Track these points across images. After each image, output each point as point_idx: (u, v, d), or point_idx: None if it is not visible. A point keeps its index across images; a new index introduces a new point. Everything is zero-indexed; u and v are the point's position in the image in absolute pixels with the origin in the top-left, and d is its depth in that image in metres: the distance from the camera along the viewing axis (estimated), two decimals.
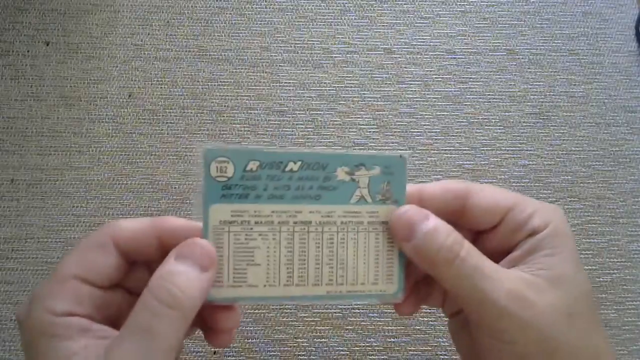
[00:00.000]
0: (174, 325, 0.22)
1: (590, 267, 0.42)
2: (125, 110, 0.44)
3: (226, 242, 0.25)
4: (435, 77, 0.47)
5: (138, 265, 0.27)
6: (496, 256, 0.26)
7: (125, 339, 0.22)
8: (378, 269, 0.26)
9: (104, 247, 0.25)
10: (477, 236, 0.28)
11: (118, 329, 0.24)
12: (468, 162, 0.45)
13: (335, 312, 0.40)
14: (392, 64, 0.47)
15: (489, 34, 0.48)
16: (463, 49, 0.48)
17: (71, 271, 0.24)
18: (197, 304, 0.23)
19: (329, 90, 0.46)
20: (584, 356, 0.24)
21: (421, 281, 0.29)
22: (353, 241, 0.26)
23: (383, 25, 0.48)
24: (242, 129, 0.44)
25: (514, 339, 0.24)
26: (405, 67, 0.47)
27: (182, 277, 0.22)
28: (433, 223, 0.25)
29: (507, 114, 0.46)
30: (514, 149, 0.45)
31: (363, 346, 0.39)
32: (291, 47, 0.47)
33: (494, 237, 0.27)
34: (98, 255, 0.24)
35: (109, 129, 0.44)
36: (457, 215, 0.27)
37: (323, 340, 0.39)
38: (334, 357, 0.39)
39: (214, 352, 0.39)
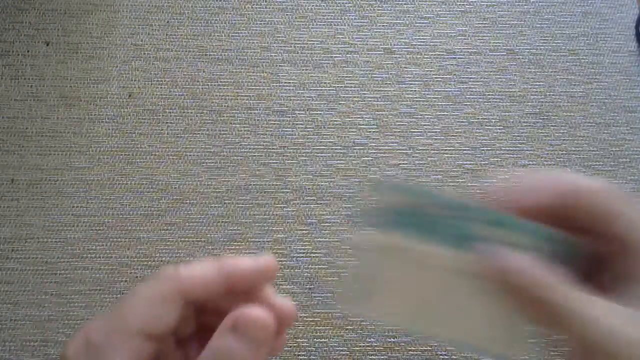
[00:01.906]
0: None
1: None
2: (125, 110, 0.44)
3: (372, 264, 0.25)
4: (435, 77, 0.47)
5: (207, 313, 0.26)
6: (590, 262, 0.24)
7: None
8: (502, 329, 0.25)
9: (170, 301, 0.24)
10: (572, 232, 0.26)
11: None
12: (468, 162, 0.44)
13: (335, 312, 0.40)
14: (392, 64, 0.47)
15: (489, 34, 0.48)
16: (463, 49, 0.48)
17: (136, 325, 0.23)
18: None
19: (329, 90, 0.46)
20: None
21: None
22: (487, 297, 0.25)
23: (383, 25, 0.48)
24: (242, 129, 0.44)
25: None
26: (405, 67, 0.47)
27: (237, 358, 0.22)
28: (541, 271, 0.23)
29: (507, 114, 0.46)
30: (514, 149, 0.45)
31: (363, 346, 0.39)
32: (291, 47, 0.47)
33: (592, 241, 0.25)
34: (164, 309, 0.23)
35: (109, 129, 0.44)
36: (557, 212, 0.25)
37: (323, 340, 0.39)
38: (334, 357, 0.39)
39: None
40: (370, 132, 0.45)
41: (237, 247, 0.41)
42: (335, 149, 0.44)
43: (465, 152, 0.45)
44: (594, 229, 0.24)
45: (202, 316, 0.26)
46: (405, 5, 0.49)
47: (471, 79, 0.47)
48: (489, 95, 0.47)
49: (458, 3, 0.49)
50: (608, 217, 0.24)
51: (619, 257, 0.23)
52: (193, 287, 0.24)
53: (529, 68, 0.47)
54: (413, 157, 0.44)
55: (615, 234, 0.23)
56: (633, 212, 0.24)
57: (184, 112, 0.44)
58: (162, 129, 0.44)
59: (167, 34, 0.47)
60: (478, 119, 0.46)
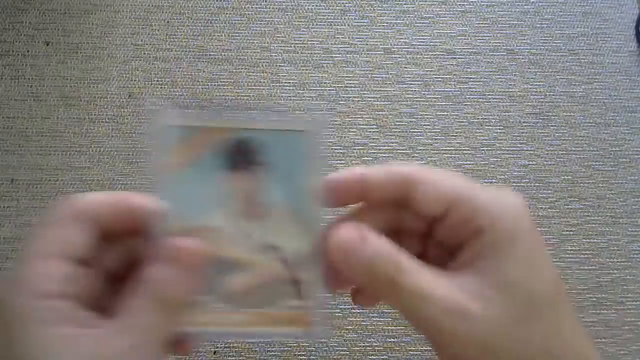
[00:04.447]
0: (166, 325, 0.23)
1: (590, 267, 0.42)
2: (125, 110, 0.44)
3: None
4: (435, 77, 0.47)
5: (112, 243, 0.26)
6: (452, 247, 0.25)
7: (121, 335, 0.22)
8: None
9: (79, 220, 0.23)
10: (434, 223, 0.27)
11: (98, 312, 0.24)
12: (468, 162, 0.44)
13: (335, 312, 0.40)
14: (392, 64, 0.47)
15: (489, 34, 0.48)
16: (463, 49, 0.48)
17: (51, 249, 0.23)
18: (185, 305, 0.24)
19: (329, 90, 0.46)
20: None
21: None
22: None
23: (383, 25, 0.48)
24: None
25: (458, 353, 0.23)
26: (405, 67, 0.47)
27: (172, 283, 0.23)
28: (370, 250, 0.23)
29: (507, 114, 0.46)
30: (514, 149, 0.45)
31: (363, 346, 0.39)
32: (291, 47, 0.47)
33: (444, 229, 0.26)
34: (75, 229, 0.23)
35: (109, 129, 0.44)
36: (403, 202, 0.26)
37: (323, 340, 0.39)
38: (334, 357, 0.39)
39: (214, 352, 0.39)
40: (370, 132, 0.45)
41: None
42: (335, 149, 0.44)
43: (465, 152, 0.45)
44: (437, 214, 0.25)
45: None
46: (405, 5, 0.49)
47: (471, 79, 0.47)
48: (489, 95, 0.47)
49: (458, 3, 0.49)
50: (443, 200, 0.25)
51: (474, 239, 0.24)
52: (93, 204, 0.24)
53: (529, 68, 0.47)
54: (413, 157, 0.44)
55: (465, 219, 0.24)
56: (480, 196, 0.25)
57: None
58: None
59: (167, 34, 0.47)
60: (478, 119, 0.46)
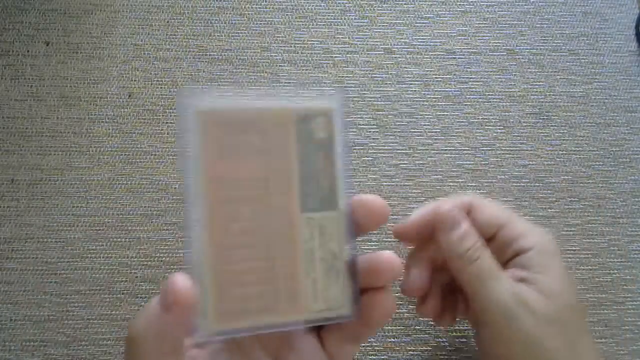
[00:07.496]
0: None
1: (590, 267, 0.42)
2: (125, 110, 0.44)
3: None
4: (435, 77, 0.47)
5: None
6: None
7: None
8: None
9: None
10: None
11: None
12: (468, 162, 0.44)
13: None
14: (392, 64, 0.47)
15: (489, 34, 0.48)
16: (463, 49, 0.48)
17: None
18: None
19: (329, 90, 0.46)
20: None
21: (447, 293, 0.33)
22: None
23: (383, 25, 0.48)
24: None
25: (510, 335, 0.28)
26: (405, 67, 0.47)
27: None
28: (466, 226, 0.30)
29: (507, 114, 0.46)
30: (514, 149, 0.45)
31: (363, 346, 0.39)
32: (291, 47, 0.47)
33: (493, 248, 0.31)
34: None
35: (109, 129, 0.44)
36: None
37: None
38: None
39: None
40: (370, 132, 0.45)
41: None
42: None
43: (465, 152, 0.45)
44: (489, 235, 0.32)
45: None
46: (405, 5, 0.49)
47: (471, 79, 0.47)
48: (489, 95, 0.47)
49: (458, 3, 0.49)
50: (493, 224, 0.32)
51: (517, 257, 0.31)
52: None
53: (529, 68, 0.47)
54: (413, 157, 0.44)
55: (511, 240, 0.31)
56: (520, 222, 0.32)
57: None
58: (162, 129, 0.44)
59: (167, 34, 0.47)
60: (478, 119, 0.46)
